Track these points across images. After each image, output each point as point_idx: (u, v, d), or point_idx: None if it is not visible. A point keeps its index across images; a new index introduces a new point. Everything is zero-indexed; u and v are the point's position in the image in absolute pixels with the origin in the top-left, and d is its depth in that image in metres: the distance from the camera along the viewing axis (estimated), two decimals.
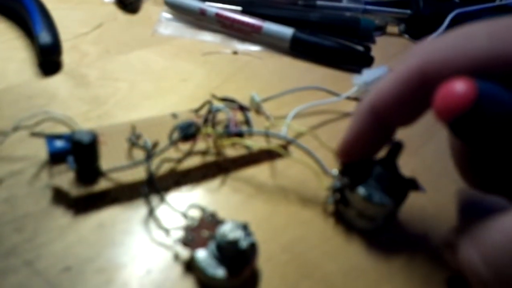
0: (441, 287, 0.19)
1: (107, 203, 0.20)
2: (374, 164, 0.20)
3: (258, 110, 0.26)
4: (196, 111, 0.25)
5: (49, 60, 0.29)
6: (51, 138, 0.21)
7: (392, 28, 0.43)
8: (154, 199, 0.20)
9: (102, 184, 0.20)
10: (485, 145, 0.15)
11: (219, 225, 0.18)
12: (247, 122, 0.25)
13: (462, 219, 0.19)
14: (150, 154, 0.21)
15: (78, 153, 0.19)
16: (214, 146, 0.23)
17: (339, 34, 0.37)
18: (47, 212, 0.19)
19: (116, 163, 0.21)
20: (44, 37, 0.28)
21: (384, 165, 0.19)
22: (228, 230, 0.17)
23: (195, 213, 0.19)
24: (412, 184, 0.20)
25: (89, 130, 0.20)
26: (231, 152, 0.23)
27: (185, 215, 0.19)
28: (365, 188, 0.19)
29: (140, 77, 0.30)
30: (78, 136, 0.19)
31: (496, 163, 0.17)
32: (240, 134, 0.24)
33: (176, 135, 0.23)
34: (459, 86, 0.14)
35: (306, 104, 0.28)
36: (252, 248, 0.18)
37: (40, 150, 0.22)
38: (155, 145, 0.22)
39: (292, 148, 0.25)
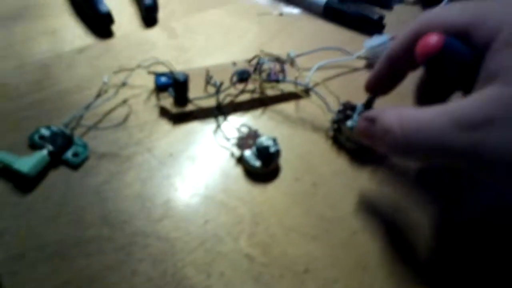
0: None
1: (192, 119, 0.29)
2: (362, 105, 0.27)
3: (292, 63, 0.34)
4: (249, 61, 0.33)
5: (150, 16, 0.36)
6: (158, 75, 0.30)
7: None
8: (220, 119, 0.29)
9: (189, 107, 0.29)
10: (442, 78, 0.21)
11: (258, 137, 0.27)
12: (283, 72, 0.32)
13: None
14: (218, 90, 0.30)
15: (176, 86, 0.28)
16: (259, 87, 0.31)
17: (365, 1, 0.41)
18: (157, 121, 0.29)
19: (198, 94, 0.30)
20: None
21: (365, 107, 0.27)
22: (264, 140, 0.26)
23: (245, 129, 0.28)
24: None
25: (182, 72, 0.28)
26: (270, 92, 0.31)
27: (239, 130, 0.28)
28: (351, 122, 0.27)
29: (212, 31, 0.37)
30: (177, 76, 0.28)
31: (439, 92, 0.24)
32: (277, 80, 0.31)
33: (234, 78, 0.31)
34: (432, 39, 0.19)
35: (326, 61, 0.34)
36: (277, 152, 0.26)
37: (151, 82, 0.31)
38: (221, 84, 0.30)
39: (311, 93, 0.31)
